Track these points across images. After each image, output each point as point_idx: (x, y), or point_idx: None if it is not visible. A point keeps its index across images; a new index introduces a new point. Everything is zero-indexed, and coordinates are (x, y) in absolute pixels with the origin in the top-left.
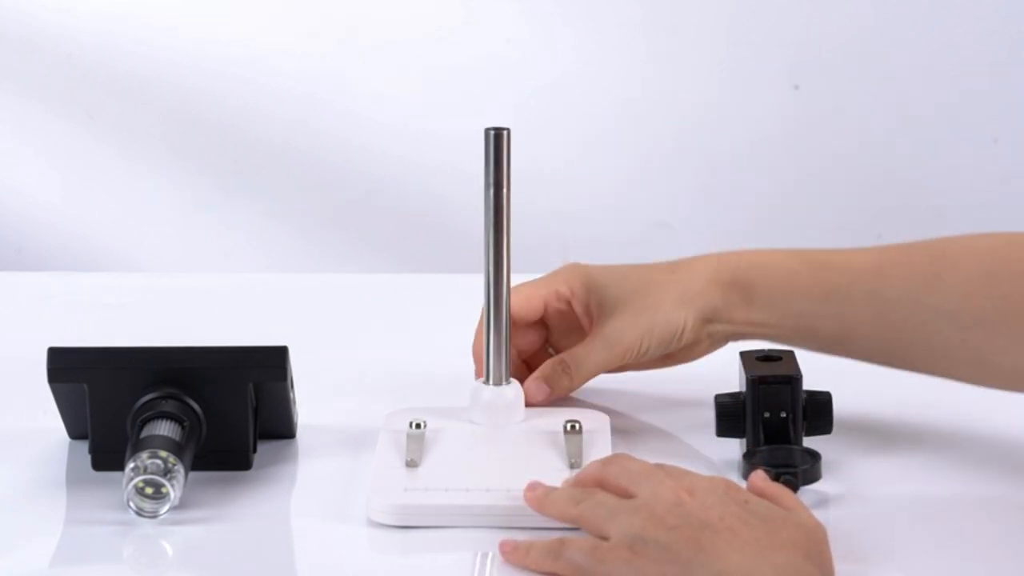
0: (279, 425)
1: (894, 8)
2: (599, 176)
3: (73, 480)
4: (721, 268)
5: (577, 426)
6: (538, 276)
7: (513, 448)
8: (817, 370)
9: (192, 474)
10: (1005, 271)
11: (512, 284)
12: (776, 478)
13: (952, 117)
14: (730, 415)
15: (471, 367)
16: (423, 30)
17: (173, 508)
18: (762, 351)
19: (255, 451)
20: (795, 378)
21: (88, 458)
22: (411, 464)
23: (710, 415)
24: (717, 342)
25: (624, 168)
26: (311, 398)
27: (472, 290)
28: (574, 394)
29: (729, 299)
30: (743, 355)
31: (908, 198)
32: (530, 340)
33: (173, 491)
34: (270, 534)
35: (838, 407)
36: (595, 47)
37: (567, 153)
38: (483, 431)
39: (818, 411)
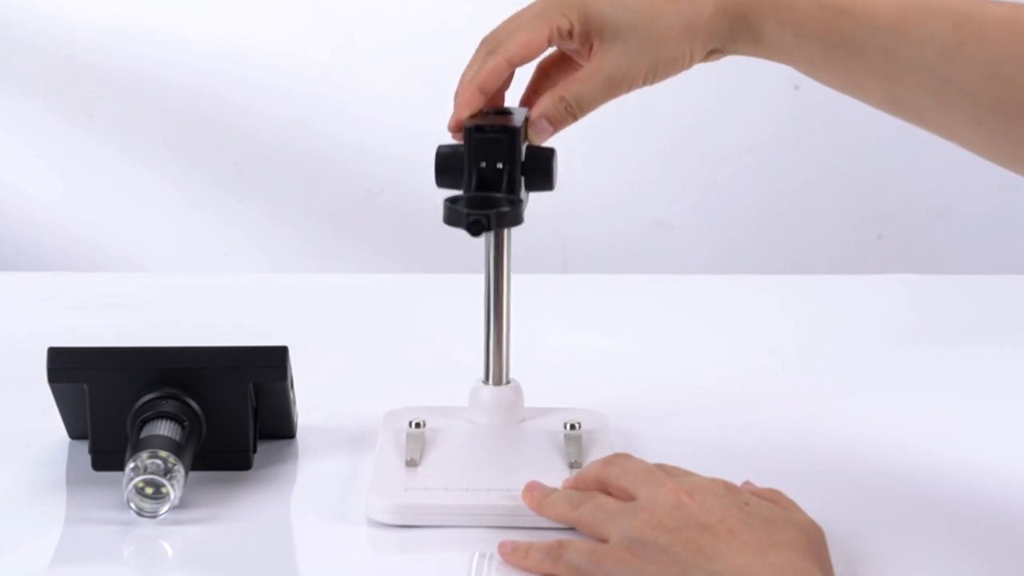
0: (279, 425)
1: None
2: (599, 176)
3: (73, 480)
4: (729, 0)
5: (577, 426)
6: (535, 276)
7: (513, 448)
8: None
9: (192, 474)
10: None
11: (510, 285)
12: (467, 219)
13: None
14: (447, 166)
15: (471, 367)
16: (423, 30)
17: (173, 508)
18: (496, 109)
19: (255, 451)
20: (513, 129)
21: (88, 458)
22: (411, 464)
23: (711, 419)
24: (713, 56)
25: (624, 168)
26: (311, 398)
27: (472, 290)
28: (573, 394)
29: (736, 33)
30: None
31: (908, 198)
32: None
33: (173, 491)
34: (270, 534)
35: (837, 409)
36: None
37: (567, 153)
38: (483, 431)
39: (537, 164)
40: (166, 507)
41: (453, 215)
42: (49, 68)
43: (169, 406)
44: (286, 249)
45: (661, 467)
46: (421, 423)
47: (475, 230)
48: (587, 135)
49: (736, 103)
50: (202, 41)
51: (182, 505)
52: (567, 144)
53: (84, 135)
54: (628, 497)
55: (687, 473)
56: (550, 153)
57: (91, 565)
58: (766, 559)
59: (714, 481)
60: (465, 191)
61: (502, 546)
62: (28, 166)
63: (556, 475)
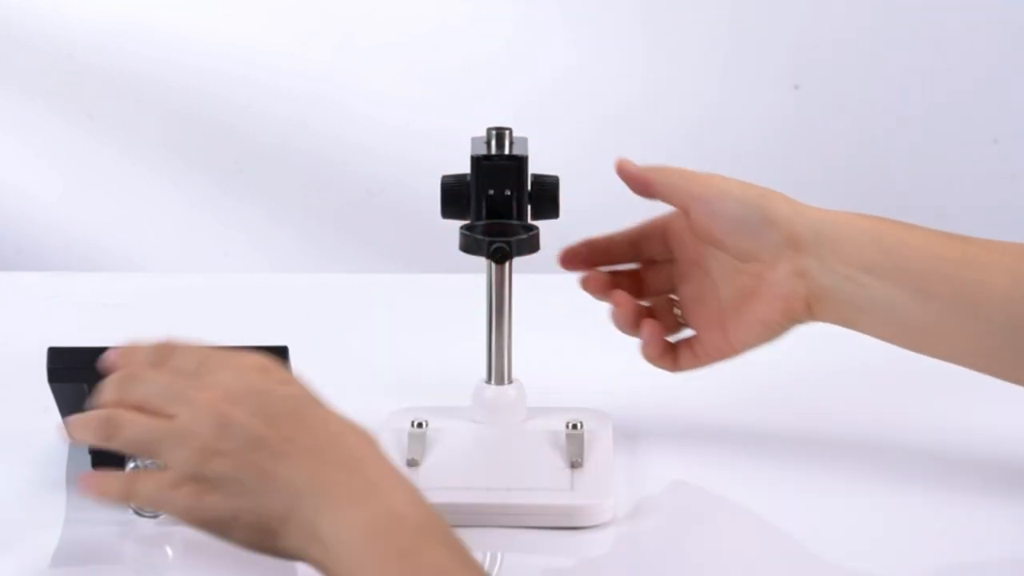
0: None
1: (894, 8)
2: (599, 176)
3: (73, 480)
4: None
5: (579, 425)
6: (537, 276)
7: (514, 448)
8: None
9: None
10: None
11: (512, 285)
12: (489, 247)
13: (952, 117)
14: (455, 194)
15: (473, 367)
16: (423, 30)
17: None
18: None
19: None
20: (520, 158)
21: (88, 458)
22: (412, 463)
23: (714, 418)
24: (796, 287)
25: None
26: None
27: (473, 290)
28: (576, 394)
29: (852, 242)
30: (474, 140)
31: (908, 198)
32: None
33: None
34: None
35: (837, 407)
36: (595, 47)
37: (567, 153)
38: (485, 430)
39: (544, 192)
40: None
41: (473, 243)
42: (49, 68)
43: None
44: (286, 249)
45: (174, 353)
46: (423, 423)
47: (499, 257)
48: (588, 135)
49: (736, 103)
50: (202, 41)
51: None
52: (568, 144)
53: (84, 135)
54: (166, 416)
55: (220, 362)
56: (556, 181)
57: (91, 565)
58: (326, 464)
59: (242, 370)
60: (474, 219)
61: (82, 480)
62: (28, 166)
63: (557, 475)
